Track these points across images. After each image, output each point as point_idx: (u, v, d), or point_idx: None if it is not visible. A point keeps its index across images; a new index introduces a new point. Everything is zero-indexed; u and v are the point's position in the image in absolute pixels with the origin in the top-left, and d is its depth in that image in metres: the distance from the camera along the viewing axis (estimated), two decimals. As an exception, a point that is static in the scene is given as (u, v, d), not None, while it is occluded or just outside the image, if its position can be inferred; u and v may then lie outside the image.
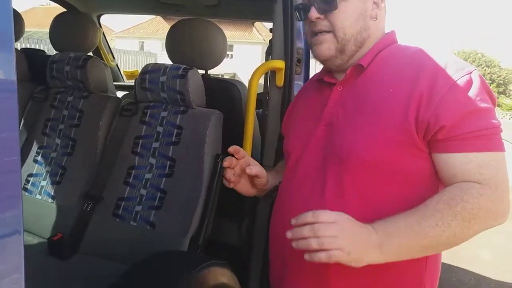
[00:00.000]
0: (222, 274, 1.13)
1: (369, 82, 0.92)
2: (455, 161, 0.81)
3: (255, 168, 1.05)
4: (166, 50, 1.56)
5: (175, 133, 1.48)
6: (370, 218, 0.80)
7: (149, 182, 1.48)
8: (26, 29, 2.09)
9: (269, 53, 1.41)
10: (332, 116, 0.95)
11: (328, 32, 0.92)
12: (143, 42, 25.66)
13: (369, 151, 0.85)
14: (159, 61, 1.69)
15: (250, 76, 1.40)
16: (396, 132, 0.83)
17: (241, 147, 1.43)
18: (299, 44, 1.36)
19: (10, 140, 0.46)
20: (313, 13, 0.91)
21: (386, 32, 0.98)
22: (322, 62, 0.99)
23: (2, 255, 0.46)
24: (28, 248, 1.47)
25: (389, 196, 0.85)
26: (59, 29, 1.80)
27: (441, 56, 0.87)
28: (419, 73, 0.83)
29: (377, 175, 0.85)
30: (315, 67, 1.54)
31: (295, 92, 1.39)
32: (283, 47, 1.33)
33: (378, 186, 0.86)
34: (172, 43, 1.56)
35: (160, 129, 1.51)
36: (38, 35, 10.19)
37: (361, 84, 0.93)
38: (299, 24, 1.37)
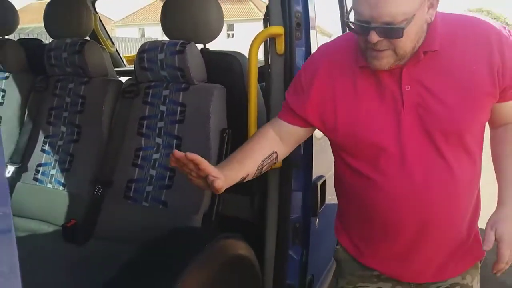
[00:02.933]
0: (239, 247, 1.12)
1: (441, 60, 0.95)
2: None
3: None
4: (162, 27, 1.52)
5: (178, 111, 1.46)
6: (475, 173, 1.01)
7: (157, 162, 1.48)
8: (26, 25, 2.07)
9: (267, 20, 1.36)
10: (416, 97, 0.95)
11: (388, 49, 0.91)
12: (143, 29, 25.45)
13: (478, 123, 0.98)
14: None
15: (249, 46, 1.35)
16: (490, 102, 0.97)
17: (246, 121, 1.42)
18: (297, 7, 1.31)
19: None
20: (374, 38, 0.88)
21: None
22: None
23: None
24: (43, 236, 1.49)
25: (479, 153, 1.02)
26: (53, 15, 1.77)
27: (492, 23, 0.97)
28: (488, 46, 0.94)
29: (479, 140, 1.01)
30: (316, 36, 1.49)
31: (297, 58, 1.35)
32: (281, 12, 1.28)
33: (479, 148, 1.01)
34: (167, 18, 1.51)
35: (163, 108, 1.49)
36: (37, 30, 10.14)
37: (431, 62, 0.95)
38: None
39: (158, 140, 1.49)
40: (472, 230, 1.07)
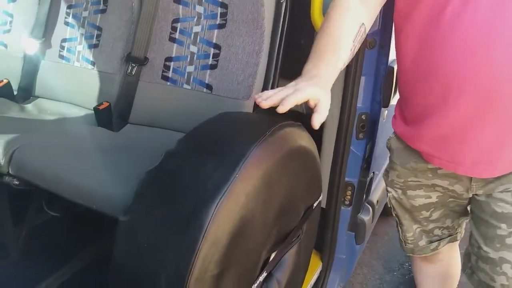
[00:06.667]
0: (301, 136, 0.92)
1: None
2: None
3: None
4: None
5: (223, -31, 1.17)
6: None
7: (199, 37, 1.23)
8: None
9: None
10: None
11: None
12: None
13: None
14: None
15: None
16: None
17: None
18: None
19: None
20: None
21: None
22: None
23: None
24: (75, 120, 1.33)
25: None
26: None
27: None
28: None
29: None
30: None
31: None
32: None
33: None
34: None
35: (203, -34, 1.20)
36: None
37: None
38: None
39: (199, 9, 1.22)
40: None
